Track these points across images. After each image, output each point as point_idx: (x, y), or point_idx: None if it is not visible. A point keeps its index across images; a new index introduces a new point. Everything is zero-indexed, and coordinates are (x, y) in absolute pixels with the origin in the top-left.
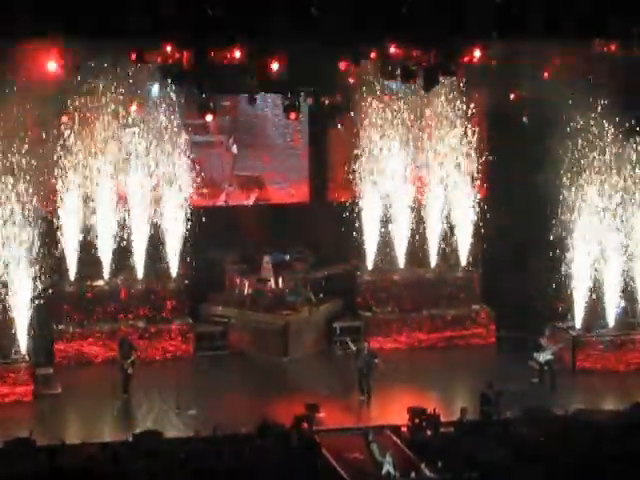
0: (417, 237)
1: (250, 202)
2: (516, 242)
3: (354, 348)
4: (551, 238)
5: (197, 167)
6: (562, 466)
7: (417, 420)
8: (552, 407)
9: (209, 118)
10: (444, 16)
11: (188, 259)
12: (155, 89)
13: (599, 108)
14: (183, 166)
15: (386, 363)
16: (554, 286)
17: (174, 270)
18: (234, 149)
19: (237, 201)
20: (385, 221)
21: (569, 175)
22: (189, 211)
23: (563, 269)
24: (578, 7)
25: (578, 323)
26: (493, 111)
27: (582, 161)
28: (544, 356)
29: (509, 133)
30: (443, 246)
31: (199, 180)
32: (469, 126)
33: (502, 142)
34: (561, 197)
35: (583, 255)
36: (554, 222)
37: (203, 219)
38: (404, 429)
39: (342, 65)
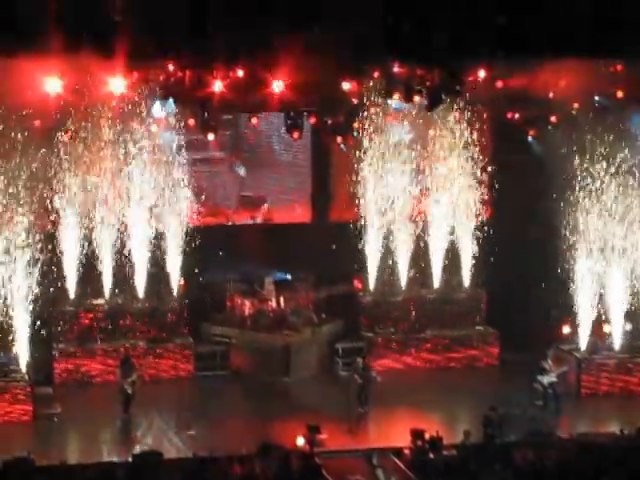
0: (420, 258)
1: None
2: (520, 263)
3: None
4: (556, 260)
5: (198, 185)
6: None
7: (419, 442)
8: (556, 430)
9: (211, 137)
10: (447, 36)
11: (189, 279)
12: (156, 107)
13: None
14: (184, 185)
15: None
16: (558, 308)
17: (175, 289)
18: (242, 172)
19: (240, 221)
20: (388, 241)
21: (574, 196)
22: (190, 230)
23: (568, 291)
24: (581, 26)
25: (583, 345)
26: (498, 131)
27: (587, 183)
28: (548, 379)
29: (515, 153)
30: (446, 267)
31: (201, 199)
32: (474, 146)
33: (507, 162)
34: (566, 219)
35: (588, 277)
36: (559, 243)
37: (204, 238)
38: (406, 451)
39: (345, 84)
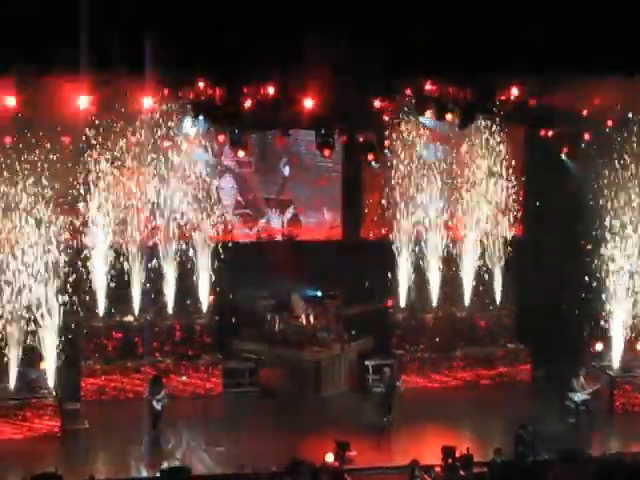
0: (451, 275)
1: (284, 222)
2: (552, 281)
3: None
4: (586, 278)
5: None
6: None
7: (450, 459)
8: (588, 448)
9: (241, 154)
10: (479, 53)
11: (219, 295)
12: (187, 124)
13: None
14: (213, 200)
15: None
16: (591, 325)
17: (204, 306)
18: (286, 171)
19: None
20: (418, 259)
21: (607, 213)
22: (220, 246)
23: (600, 307)
24: (615, 43)
25: (616, 363)
26: (531, 148)
27: (620, 200)
28: (580, 396)
29: (548, 170)
30: (477, 284)
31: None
32: (506, 163)
33: (540, 179)
34: (598, 235)
35: (621, 293)
36: (591, 260)
37: (234, 254)
38: (437, 468)
39: (377, 102)
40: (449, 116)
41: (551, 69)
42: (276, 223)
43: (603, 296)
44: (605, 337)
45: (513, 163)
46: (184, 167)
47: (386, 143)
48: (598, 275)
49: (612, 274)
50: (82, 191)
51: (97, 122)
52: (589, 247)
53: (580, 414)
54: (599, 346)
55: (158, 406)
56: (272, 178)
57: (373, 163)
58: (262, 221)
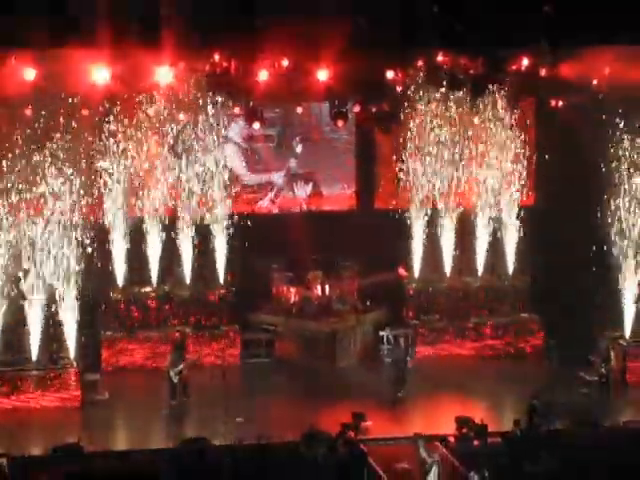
0: (465, 245)
1: (306, 195)
2: (565, 250)
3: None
4: (601, 247)
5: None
6: (611, 478)
7: (464, 430)
8: (602, 418)
9: (256, 126)
10: (492, 25)
11: (235, 267)
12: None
13: None
14: (230, 170)
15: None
16: (604, 295)
17: (221, 277)
18: (299, 149)
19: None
20: (432, 229)
21: (619, 182)
22: (236, 217)
23: (613, 278)
24: (629, 14)
25: (628, 333)
26: (542, 118)
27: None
28: (606, 368)
29: (559, 139)
30: (491, 254)
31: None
32: (518, 134)
33: (551, 149)
34: (611, 205)
35: (633, 263)
36: (605, 229)
37: (251, 226)
38: (451, 438)
39: (389, 73)
40: (461, 86)
41: (562, 39)
42: (300, 196)
43: (616, 265)
44: (618, 307)
45: (524, 134)
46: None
47: (399, 114)
48: (612, 243)
49: (625, 242)
50: (100, 163)
51: (112, 94)
52: (601, 216)
53: (597, 385)
54: (611, 316)
55: (175, 379)
56: (291, 152)
57: (386, 133)
58: (271, 194)
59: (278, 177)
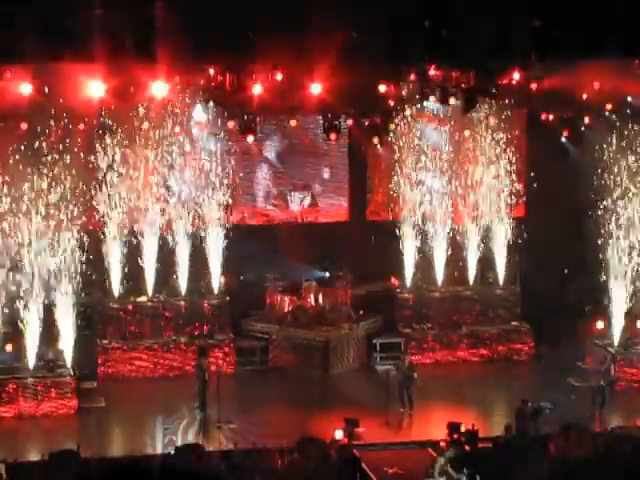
0: (456, 255)
1: (304, 206)
2: (554, 260)
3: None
4: (588, 257)
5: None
6: None
7: (455, 435)
8: (590, 424)
9: (250, 139)
10: (483, 38)
11: (230, 276)
12: (198, 110)
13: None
14: (225, 182)
15: (421, 379)
16: (592, 303)
17: (216, 287)
18: (294, 161)
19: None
20: (424, 239)
21: (607, 192)
22: (231, 228)
23: (602, 287)
24: (614, 28)
25: (616, 341)
26: (533, 131)
27: (621, 179)
28: (606, 378)
29: (548, 152)
30: (481, 264)
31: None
32: (508, 146)
33: (542, 162)
34: (600, 217)
35: (621, 271)
36: (593, 240)
37: (245, 236)
38: (442, 444)
39: (382, 87)
40: (452, 100)
41: (552, 53)
42: (297, 207)
43: (603, 274)
44: (606, 315)
45: (515, 147)
46: (196, 151)
47: (391, 127)
48: (601, 256)
49: (612, 253)
50: (97, 174)
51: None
52: (590, 227)
53: (597, 391)
54: (600, 324)
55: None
56: (286, 164)
57: (378, 146)
58: (269, 207)
59: (274, 188)
